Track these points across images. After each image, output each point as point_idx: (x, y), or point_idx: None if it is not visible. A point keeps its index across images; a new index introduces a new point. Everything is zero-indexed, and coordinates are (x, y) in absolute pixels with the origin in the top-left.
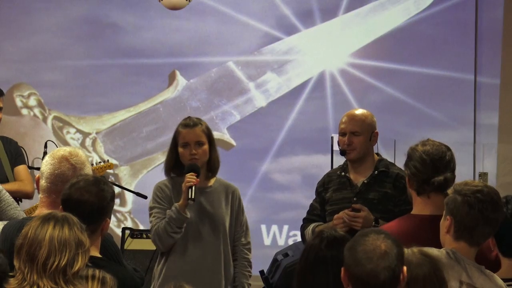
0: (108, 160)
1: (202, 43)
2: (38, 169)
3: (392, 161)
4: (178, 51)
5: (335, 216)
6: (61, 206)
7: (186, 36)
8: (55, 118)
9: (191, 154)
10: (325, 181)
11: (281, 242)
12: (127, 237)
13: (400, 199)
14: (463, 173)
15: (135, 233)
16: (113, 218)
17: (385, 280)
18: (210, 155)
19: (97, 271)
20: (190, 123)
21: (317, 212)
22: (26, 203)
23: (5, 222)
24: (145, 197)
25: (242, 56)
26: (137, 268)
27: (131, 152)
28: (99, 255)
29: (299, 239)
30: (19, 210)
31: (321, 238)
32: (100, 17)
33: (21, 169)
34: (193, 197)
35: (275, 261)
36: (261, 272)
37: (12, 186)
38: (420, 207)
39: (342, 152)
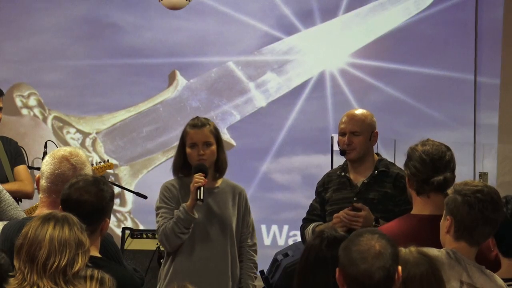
0: (108, 160)
1: (202, 43)
2: (38, 169)
3: (392, 161)
4: (178, 51)
5: (335, 215)
6: (60, 206)
7: (186, 36)
8: (55, 118)
9: (199, 155)
10: (325, 181)
11: (281, 242)
12: (127, 237)
13: (401, 199)
14: (463, 173)
15: (135, 233)
16: (113, 218)
17: (380, 280)
18: (218, 155)
19: (95, 271)
20: (198, 124)
21: (317, 212)
22: (26, 203)
23: (5, 222)
24: (145, 197)
25: (242, 56)
26: (137, 268)
27: (131, 152)
28: (98, 255)
29: (299, 239)
30: (19, 210)
31: (322, 238)
32: (100, 17)
33: (21, 169)
34: (201, 197)
35: (275, 261)
36: (261, 272)
37: (12, 186)
38: (419, 207)
39: (342, 152)
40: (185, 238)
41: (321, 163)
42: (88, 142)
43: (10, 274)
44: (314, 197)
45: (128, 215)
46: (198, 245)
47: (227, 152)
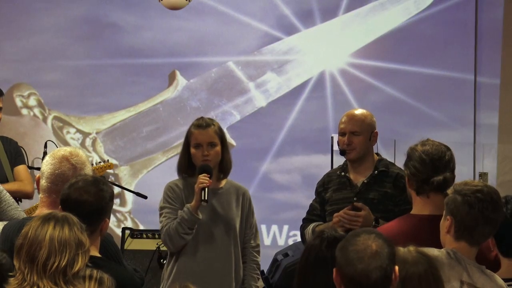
0: (108, 160)
1: (202, 43)
2: (38, 169)
3: (392, 161)
4: (178, 51)
5: (335, 214)
6: (60, 206)
7: (186, 36)
8: (55, 118)
9: (204, 155)
10: (325, 181)
11: (281, 242)
12: (127, 237)
13: (401, 199)
14: (463, 173)
15: (135, 233)
16: (113, 218)
17: (377, 280)
18: (223, 156)
19: (94, 271)
20: (202, 124)
21: (317, 212)
22: (26, 203)
23: (5, 222)
24: (145, 197)
25: (242, 56)
26: (137, 268)
27: (131, 152)
28: (98, 255)
29: (299, 239)
30: (19, 210)
31: (322, 238)
32: (100, 17)
33: (21, 169)
34: (206, 198)
35: (275, 261)
36: (261, 272)
37: (12, 186)
38: (419, 207)
39: (342, 152)
40: (189, 239)
41: (321, 163)
42: (88, 142)
43: (10, 274)
44: (314, 197)
45: (128, 215)
46: (202, 245)
47: None
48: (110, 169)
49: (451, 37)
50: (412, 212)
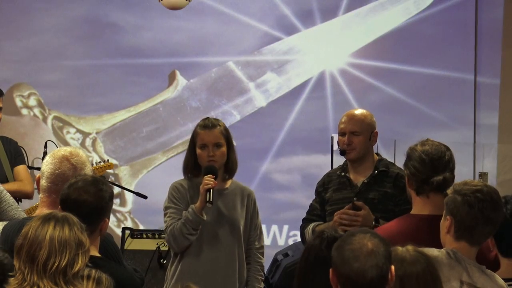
0: (108, 160)
1: (202, 43)
2: (38, 169)
3: (392, 161)
4: (178, 51)
5: (335, 213)
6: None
7: (186, 36)
8: (55, 118)
9: (209, 156)
10: (325, 181)
11: (281, 242)
12: (127, 237)
13: (401, 199)
14: (463, 173)
15: (135, 233)
16: (113, 218)
17: (373, 279)
18: (228, 156)
19: (93, 271)
20: (208, 124)
21: (317, 212)
22: (26, 203)
23: (5, 223)
24: (145, 197)
25: (242, 56)
26: (137, 268)
27: (131, 152)
28: (98, 255)
29: (299, 239)
30: (20, 210)
31: (322, 238)
32: (100, 17)
33: (20, 169)
34: (211, 200)
35: (275, 261)
36: None
37: (12, 186)
38: (419, 207)
39: (342, 152)
40: (193, 239)
41: (321, 163)
42: (88, 142)
43: (10, 274)
44: (314, 197)
45: (128, 215)
46: (206, 246)
47: None
48: (110, 169)
49: (451, 37)
50: (412, 212)
